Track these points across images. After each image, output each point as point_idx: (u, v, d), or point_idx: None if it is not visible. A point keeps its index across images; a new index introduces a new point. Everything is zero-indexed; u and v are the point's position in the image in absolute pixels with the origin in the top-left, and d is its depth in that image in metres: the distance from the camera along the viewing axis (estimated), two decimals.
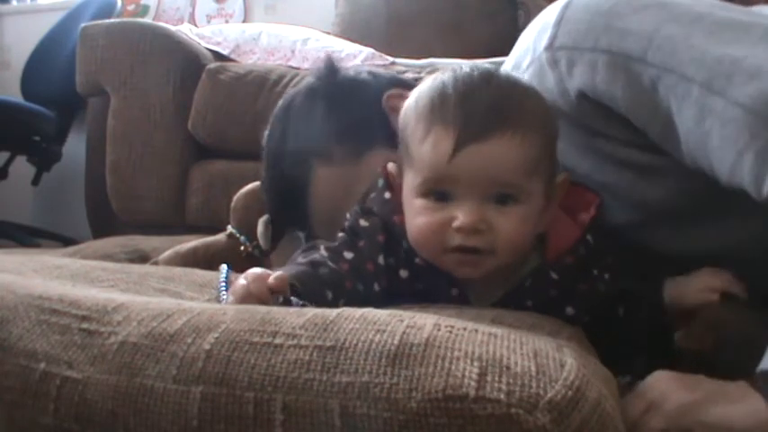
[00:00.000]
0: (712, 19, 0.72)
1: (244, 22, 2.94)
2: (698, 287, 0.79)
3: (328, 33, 2.40)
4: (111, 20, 2.43)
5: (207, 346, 0.53)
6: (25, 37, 3.08)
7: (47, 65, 2.84)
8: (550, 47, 0.79)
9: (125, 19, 2.81)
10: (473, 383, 0.47)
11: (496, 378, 0.47)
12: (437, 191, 0.71)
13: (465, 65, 0.76)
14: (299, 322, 0.54)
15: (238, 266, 0.79)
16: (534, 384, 0.47)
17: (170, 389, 0.52)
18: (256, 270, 0.66)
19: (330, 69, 0.96)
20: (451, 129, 0.69)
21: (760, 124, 0.66)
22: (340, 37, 2.35)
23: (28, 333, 0.58)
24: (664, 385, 0.64)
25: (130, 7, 3.12)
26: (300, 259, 0.72)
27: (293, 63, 2.13)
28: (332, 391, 0.49)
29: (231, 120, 1.95)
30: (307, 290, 0.66)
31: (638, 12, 0.75)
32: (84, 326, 0.58)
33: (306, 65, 2.08)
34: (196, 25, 2.66)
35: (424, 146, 0.71)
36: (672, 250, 0.83)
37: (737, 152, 0.67)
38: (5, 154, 2.84)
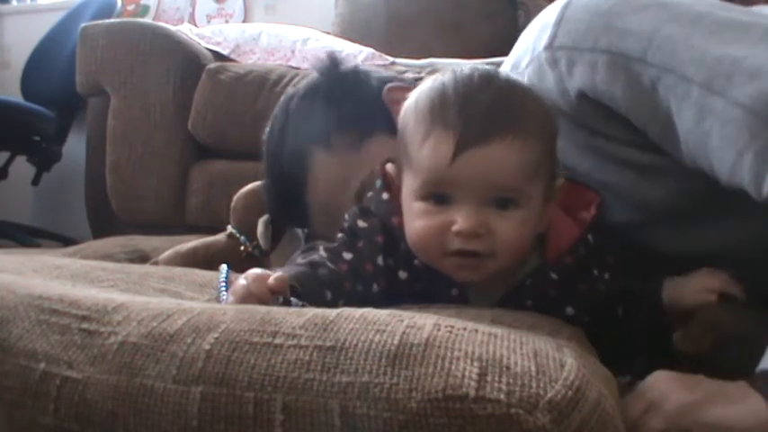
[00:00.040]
0: (712, 19, 0.72)
1: (244, 22, 2.94)
2: (696, 288, 0.79)
3: (328, 33, 2.40)
4: (111, 20, 2.43)
5: (207, 346, 0.53)
6: (25, 37, 3.08)
7: (47, 65, 2.84)
8: (550, 46, 0.79)
9: (125, 19, 2.81)
10: (473, 383, 0.47)
11: (496, 378, 0.47)
12: (437, 194, 0.71)
13: (465, 65, 0.76)
14: (299, 322, 0.54)
15: (238, 266, 0.79)
16: (534, 384, 0.47)
17: (170, 389, 0.52)
18: (256, 270, 0.66)
19: (332, 64, 0.96)
20: (452, 132, 0.69)
21: (760, 124, 0.66)
22: (340, 37, 2.35)
23: (28, 333, 0.58)
24: (664, 385, 0.64)
25: (130, 7, 3.12)
26: (299, 260, 0.72)
27: (293, 63, 2.13)
28: (332, 391, 0.49)
29: (231, 120, 1.95)
30: (306, 290, 0.66)
31: (637, 12, 0.75)
32: (84, 326, 0.58)
33: (306, 65, 2.08)
34: (196, 25, 2.66)
35: (423, 149, 0.71)
36: (672, 250, 0.83)
37: (737, 152, 0.67)
38: (5, 154, 2.84)
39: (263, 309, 0.58)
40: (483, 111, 0.70)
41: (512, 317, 0.66)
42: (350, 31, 2.40)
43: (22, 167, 2.80)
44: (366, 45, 2.15)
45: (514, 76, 0.84)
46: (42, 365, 0.56)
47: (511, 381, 0.47)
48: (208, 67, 2.03)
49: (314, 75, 0.97)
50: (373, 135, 0.89)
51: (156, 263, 1.18)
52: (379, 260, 0.74)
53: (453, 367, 0.48)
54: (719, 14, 0.73)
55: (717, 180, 0.71)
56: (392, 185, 0.77)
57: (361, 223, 0.76)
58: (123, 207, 2.06)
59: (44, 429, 0.54)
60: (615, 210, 0.82)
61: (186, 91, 2.01)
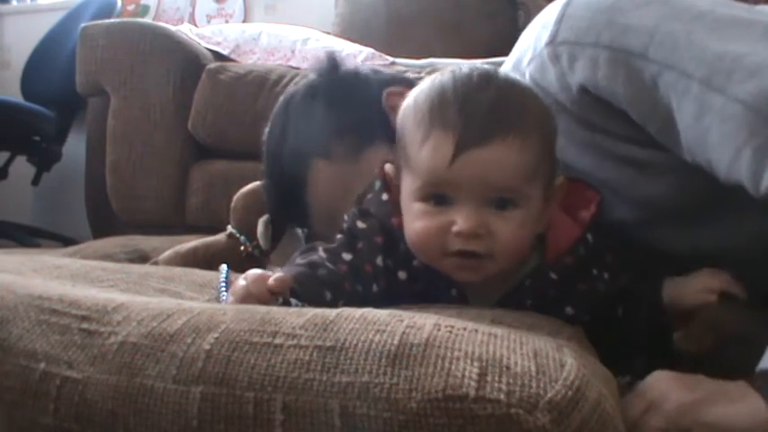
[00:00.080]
0: (714, 16, 0.72)
1: (244, 22, 2.94)
2: (696, 288, 0.79)
3: (328, 33, 2.40)
4: (111, 20, 2.43)
5: (207, 346, 0.53)
6: (25, 37, 3.08)
7: (47, 65, 2.84)
8: (552, 42, 0.79)
9: (125, 19, 2.81)
10: (473, 383, 0.47)
11: (496, 378, 0.47)
12: (436, 194, 0.71)
13: (464, 65, 0.76)
14: (299, 322, 0.54)
15: (238, 266, 0.79)
16: (534, 384, 0.47)
17: (170, 389, 0.52)
18: (256, 271, 0.66)
19: (331, 65, 0.96)
20: (451, 133, 0.69)
21: (759, 121, 0.66)
22: (340, 37, 2.35)
23: (28, 333, 0.58)
24: (664, 385, 0.64)
25: (130, 7, 3.12)
26: (299, 260, 0.72)
27: (293, 63, 2.13)
28: (332, 391, 0.49)
29: (231, 120, 1.95)
30: (305, 291, 0.66)
31: (639, 8, 0.75)
32: (84, 326, 0.58)
33: (306, 65, 2.08)
34: (196, 25, 2.66)
35: (423, 150, 0.71)
36: (673, 249, 0.83)
37: (736, 149, 0.67)
38: (5, 154, 2.84)
39: (263, 309, 0.58)
40: (482, 111, 0.70)
41: (512, 317, 0.66)
42: (350, 31, 2.40)
43: (22, 167, 2.80)
44: (366, 45, 2.15)
45: (516, 74, 0.84)
46: (42, 365, 0.56)
47: (511, 381, 0.47)
48: (208, 67, 2.03)
49: (314, 75, 0.97)
50: (373, 143, 0.88)
51: (156, 263, 1.18)
52: (379, 261, 0.74)
53: (453, 367, 0.48)
54: (721, 11, 0.73)
55: (716, 176, 0.71)
56: (391, 186, 0.77)
57: (360, 224, 0.76)
58: (123, 207, 2.06)
59: (44, 429, 0.54)
60: (615, 207, 0.82)
61: (186, 91, 2.01)
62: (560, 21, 0.78)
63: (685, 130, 0.72)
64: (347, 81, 0.95)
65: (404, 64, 2.01)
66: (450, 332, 0.51)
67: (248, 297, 0.64)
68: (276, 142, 0.95)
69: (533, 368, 0.49)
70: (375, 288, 0.73)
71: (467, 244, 0.69)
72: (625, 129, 0.77)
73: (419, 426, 0.46)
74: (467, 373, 0.47)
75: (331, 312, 0.55)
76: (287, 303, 0.64)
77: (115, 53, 2.06)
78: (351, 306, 0.58)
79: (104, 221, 2.15)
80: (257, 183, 1.13)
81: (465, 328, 0.52)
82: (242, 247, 1.14)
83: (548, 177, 0.74)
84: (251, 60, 2.18)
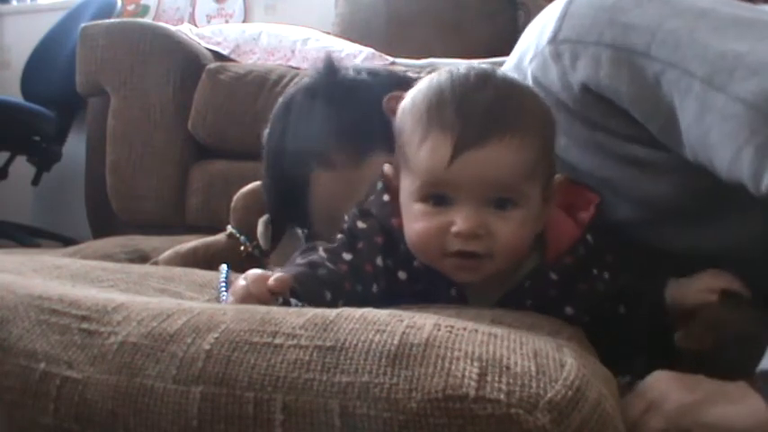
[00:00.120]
0: (716, 14, 0.72)
1: (244, 22, 2.94)
2: (698, 288, 0.79)
3: (328, 33, 2.40)
4: (111, 20, 2.43)
5: (207, 346, 0.53)
6: (25, 37, 3.08)
7: (47, 65, 2.84)
8: (554, 40, 0.79)
9: (125, 19, 2.81)
10: (473, 383, 0.47)
11: (496, 378, 0.47)
12: (435, 195, 0.71)
13: (462, 65, 0.76)
14: (299, 322, 0.54)
15: (238, 266, 0.79)
16: (534, 384, 0.47)
17: (170, 389, 0.52)
18: (256, 271, 0.66)
19: (330, 68, 0.96)
20: (449, 134, 0.69)
21: (761, 120, 0.66)
22: (340, 37, 2.35)
23: (28, 333, 0.58)
24: (664, 385, 0.64)
25: (130, 7, 3.12)
26: (299, 260, 0.72)
27: (293, 63, 2.13)
28: (332, 391, 0.49)
29: (231, 120, 1.95)
30: (305, 290, 0.66)
31: (641, 6, 0.75)
32: (84, 326, 0.58)
33: (306, 65, 2.08)
34: (196, 25, 2.66)
35: (421, 151, 0.71)
36: (674, 248, 0.83)
37: (737, 147, 0.67)
38: (5, 154, 2.84)
39: (263, 309, 0.58)
40: (480, 111, 0.70)
41: (512, 317, 0.66)
42: (350, 31, 2.40)
43: (22, 167, 2.80)
44: (366, 45, 2.15)
45: (518, 73, 0.84)
46: (42, 365, 0.56)
47: (511, 381, 0.47)
48: (208, 67, 2.03)
49: (313, 78, 0.97)
50: (374, 151, 0.88)
51: (156, 263, 1.18)
52: (379, 261, 0.74)
53: (453, 367, 0.48)
54: (723, 10, 0.73)
55: (717, 175, 0.71)
56: (391, 187, 0.77)
57: (360, 224, 0.76)
58: (123, 207, 2.06)
59: (44, 429, 0.54)
60: (617, 207, 0.82)
61: (186, 91, 2.01)
62: (562, 18, 0.78)
63: (687, 129, 0.72)
64: (346, 85, 0.94)
65: (404, 64, 2.00)
66: (450, 332, 0.51)
67: (248, 297, 0.64)
68: (276, 143, 0.95)
69: (533, 368, 0.49)
70: (375, 288, 0.73)
71: (466, 244, 0.69)
72: (627, 128, 0.77)
73: (419, 426, 0.46)
74: (467, 373, 0.47)
75: (331, 312, 0.55)
76: (287, 303, 0.64)
77: (115, 53, 2.06)
78: (351, 306, 0.58)
79: (104, 221, 2.15)
80: (257, 183, 1.13)
81: (465, 328, 0.52)
82: (242, 247, 1.14)
83: (546, 176, 0.74)
84: (251, 60, 2.18)
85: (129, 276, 0.81)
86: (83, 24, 2.17)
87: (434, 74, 0.75)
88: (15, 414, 0.55)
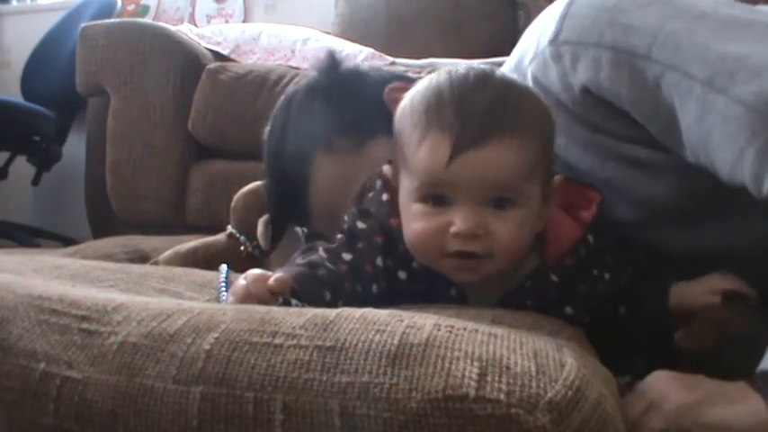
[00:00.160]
0: (716, 16, 0.72)
1: (244, 22, 2.94)
2: (701, 290, 0.79)
3: (328, 33, 2.40)
4: (111, 20, 2.43)
5: (207, 346, 0.53)
6: (25, 37, 3.08)
7: (47, 65, 2.84)
8: (554, 41, 0.79)
9: (125, 19, 2.81)
10: (473, 383, 0.47)
11: (496, 378, 0.47)
12: (434, 195, 0.71)
13: (462, 65, 0.76)
14: (299, 322, 0.54)
15: (238, 266, 0.79)
16: (534, 384, 0.47)
17: (170, 389, 0.52)
18: (256, 271, 0.66)
19: (332, 63, 0.96)
20: (448, 135, 0.69)
21: (761, 122, 0.66)
22: (340, 37, 2.35)
23: (28, 333, 0.58)
24: (664, 385, 0.64)
25: (130, 7, 3.12)
26: (299, 260, 0.72)
27: (293, 63, 2.14)
28: (332, 391, 0.49)
29: (231, 120, 1.96)
30: (305, 291, 0.66)
31: (642, 8, 0.75)
32: (84, 326, 0.58)
33: (306, 65, 2.08)
34: (196, 25, 2.66)
35: (420, 151, 0.71)
36: (674, 249, 0.83)
37: (739, 150, 0.67)
38: (5, 154, 2.84)
39: (262, 309, 0.58)
40: (479, 111, 0.69)
41: (512, 317, 0.66)
42: (350, 31, 2.40)
43: (22, 167, 2.80)
44: (366, 45, 2.15)
45: (518, 73, 0.84)
46: (42, 365, 0.56)
47: (511, 381, 0.47)
48: (208, 67, 2.03)
49: (314, 74, 0.97)
50: (375, 137, 0.88)
51: (156, 263, 1.18)
52: (379, 261, 0.74)
53: (453, 367, 0.48)
54: (723, 12, 0.73)
55: (718, 177, 0.71)
56: (390, 187, 0.77)
57: (360, 224, 0.76)
58: (123, 207, 2.06)
59: (44, 429, 0.54)
60: (618, 207, 0.82)
61: (186, 91, 2.01)
62: (563, 19, 0.78)
63: (688, 131, 0.72)
64: (347, 77, 0.95)
65: (404, 64, 2.01)
66: (450, 332, 0.51)
67: (248, 297, 0.64)
68: (277, 141, 0.95)
69: (533, 368, 0.49)
70: (375, 288, 0.73)
71: (465, 245, 0.69)
72: (627, 129, 0.77)
73: (419, 426, 0.46)
74: (467, 373, 0.47)
75: (331, 312, 0.55)
76: (287, 303, 0.64)
77: (115, 53, 2.06)
78: (351, 306, 0.58)
79: (104, 221, 2.15)
80: (257, 183, 1.13)
81: (465, 328, 0.52)
82: (242, 247, 1.15)
83: (545, 176, 0.73)
84: (251, 60, 2.18)
85: (129, 276, 0.81)
86: (83, 24, 2.18)
87: (433, 74, 0.75)
88: (15, 414, 0.55)
